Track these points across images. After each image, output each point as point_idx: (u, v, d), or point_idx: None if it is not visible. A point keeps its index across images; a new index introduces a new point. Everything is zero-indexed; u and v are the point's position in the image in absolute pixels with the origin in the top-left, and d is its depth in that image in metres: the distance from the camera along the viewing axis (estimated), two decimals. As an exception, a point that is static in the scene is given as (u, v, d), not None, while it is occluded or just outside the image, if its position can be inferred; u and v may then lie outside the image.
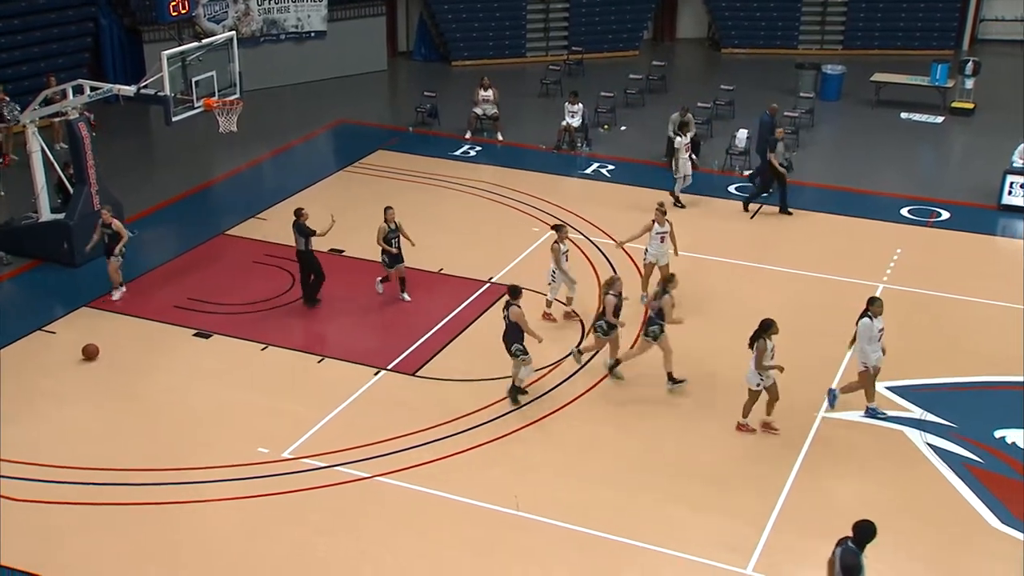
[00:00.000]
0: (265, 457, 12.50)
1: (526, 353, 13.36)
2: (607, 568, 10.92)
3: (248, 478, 12.14)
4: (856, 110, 25.42)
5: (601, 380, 14.15)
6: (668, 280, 13.87)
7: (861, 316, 13.20)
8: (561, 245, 15.18)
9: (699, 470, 12.41)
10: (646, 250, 15.79)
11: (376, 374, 14.26)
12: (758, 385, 12.86)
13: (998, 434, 13.08)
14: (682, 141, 19.39)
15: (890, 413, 13.48)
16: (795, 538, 11.33)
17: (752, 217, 19.41)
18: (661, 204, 15.95)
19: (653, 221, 15.63)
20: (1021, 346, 14.92)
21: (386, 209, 15.89)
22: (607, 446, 12.84)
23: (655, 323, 13.70)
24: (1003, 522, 11.60)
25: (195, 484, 12.04)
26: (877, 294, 16.37)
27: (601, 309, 13.94)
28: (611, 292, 13.72)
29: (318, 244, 16.15)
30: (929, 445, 12.88)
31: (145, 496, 11.85)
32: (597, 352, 14.27)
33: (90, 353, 14.36)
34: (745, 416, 13.06)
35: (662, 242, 15.68)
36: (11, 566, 10.78)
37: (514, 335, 13.32)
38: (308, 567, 10.91)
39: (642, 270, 16.10)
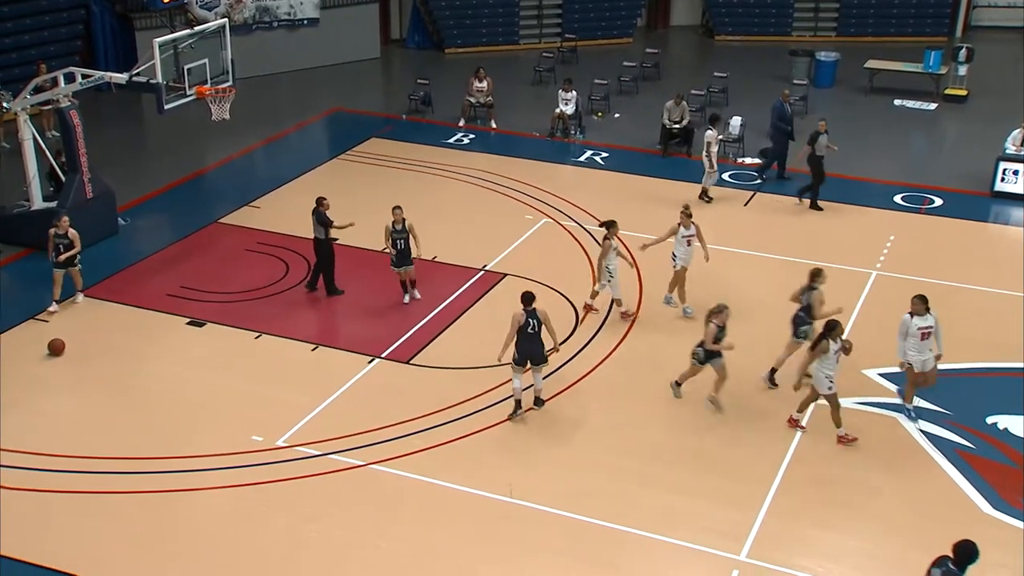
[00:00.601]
0: (259, 445, 12.50)
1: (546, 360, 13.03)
2: (601, 555, 10.95)
3: (242, 466, 12.14)
4: (850, 97, 25.42)
5: (595, 368, 14.16)
6: (816, 275, 13.50)
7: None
8: (612, 241, 14.83)
9: (692, 457, 12.44)
10: (673, 255, 15.25)
11: (370, 362, 14.26)
12: (830, 388, 12.45)
13: (990, 420, 13.13)
14: (713, 134, 18.96)
15: (884, 400, 13.52)
16: (789, 525, 11.37)
17: (746, 204, 19.42)
18: (687, 207, 15.37)
19: (679, 224, 15.15)
20: (1014, 333, 14.97)
21: (394, 209, 15.58)
22: (600, 434, 12.86)
23: (805, 322, 13.46)
24: (995, 508, 11.66)
25: (189, 472, 12.04)
26: (870, 281, 16.48)
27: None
28: (714, 321, 12.90)
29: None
30: (921, 431, 12.92)
31: (139, 484, 11.84)
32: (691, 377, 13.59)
33: (56, 348, 14.25)
34: (839, 425, 12.63)
35: (689, 245, 15.17)
36: (5, 554, 10.77)
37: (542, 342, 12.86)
38: (302, 554, 10.92)
39: (671, 275, 15.55)
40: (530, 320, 12.66)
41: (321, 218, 15.56)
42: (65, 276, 15.35)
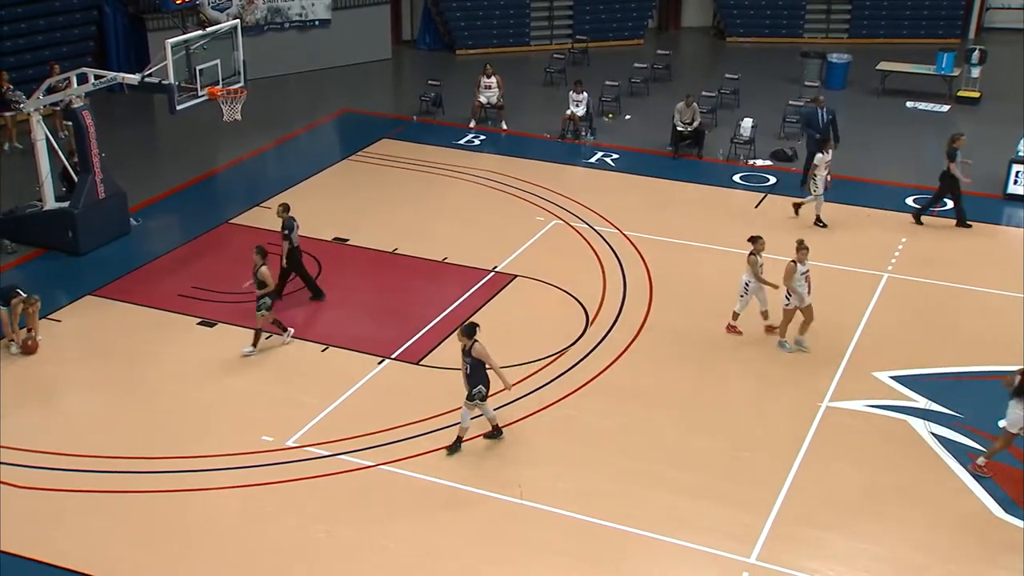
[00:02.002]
0: (269, 445, 12.52)
1: (484, 398, 12.24)
2: (610, 557, 10.94)
3: (252, 466, 12.17)
4: (861, 99, 25.33)
5: (605, 370, 14.14)
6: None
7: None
8: (758, 257, 14.45)
9: (702, 459, 12.41)
10: (787, 295, 14.29)
11: (380, 363, 14.27)
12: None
13: (1002, 424, 13.04)
14: (822, 158, 17.95)
15: (895, 403, 13.47)
16: (799, 527, 11.34)
17: (757, 206, 19.38)
18: (802, 241, 14.29)
19: (794, 262, 14.11)
20: (1026, 336, 14.90)
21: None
22: (610, 435, 12.84)
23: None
24: (1007, 512, 11.60)
25: (199, 472, 12.07)
26: (881, 284, 16.42)
27: None
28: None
29: (320, 234, 16.13)
30: (933, 435, 12.87)
31: (149, 484, 11.88)
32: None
33: (29, 350, 14.21)
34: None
35: (806, 282, 14.20)
36: (16, 553, 10.82)
37: (479, 376, 12.13)
38: (311, 554, 10.94)
39: (775, 312, 14.75)
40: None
41: (289, 224, 15.42)
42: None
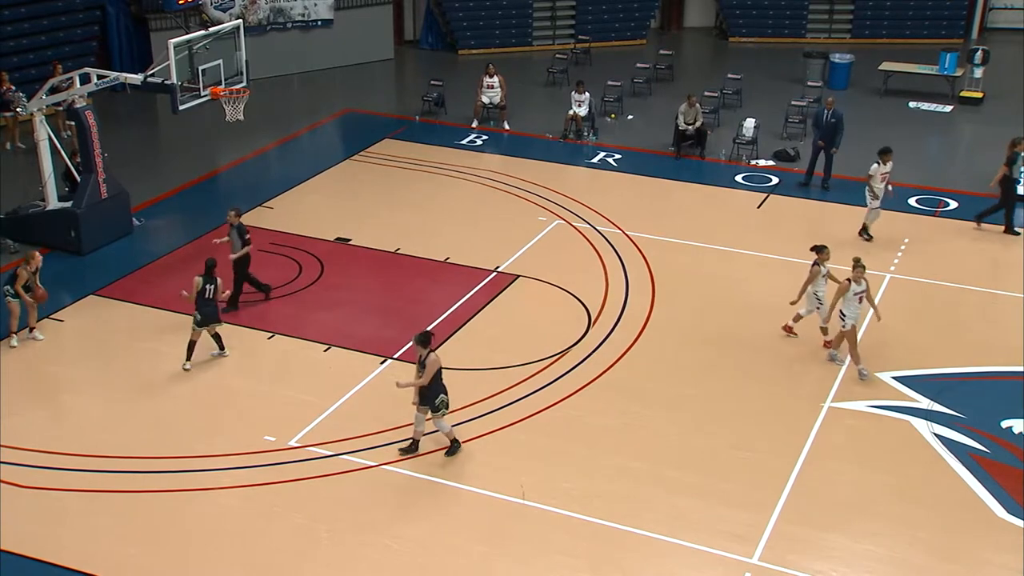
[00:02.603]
0: (271, 445, 12.53)
1: (447, 407, 12.13)
2: (612, 557, 10.93)
3: (255, 466, 12.17)
4: (864, 99, 25.31)
5: (607, 370, 14.14)
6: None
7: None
8: (821, 268, 14.24)
9: (704, 459, 12.41)
10: (842, 313, 13.80)
11: (383, 363, 14.27)
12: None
13: (1005, 424, 13.05)
14: (878, 169, 17.29)
15: (898, 403, 13.47)
16: (802, 528, 11.33)
17: (759, 207, 19.36)
18: (858, 259, 13.81)
19: (849, 280, 13.68)
20: (1029, 336, 14.88)
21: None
22: (612, 435, 12.84)
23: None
24: (1009, 512, 11.59)
25: (202, 472, 12.08)
26: (884, 284, 16.40)
27: None
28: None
29: (323, 233, 16.12)
30: (936, 435, 12.86)
31: (151, 484, 11.89)
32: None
33: (39, 298, 14.26)
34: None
35: (860, 303, 13.75)
36: (18, 552, 10.83)
37: (437, 387, 12.00)
38: (314, 554, 10.94)
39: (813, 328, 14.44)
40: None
41: (242, 231, 15.24)
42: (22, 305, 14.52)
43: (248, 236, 15.34)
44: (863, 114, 24.32)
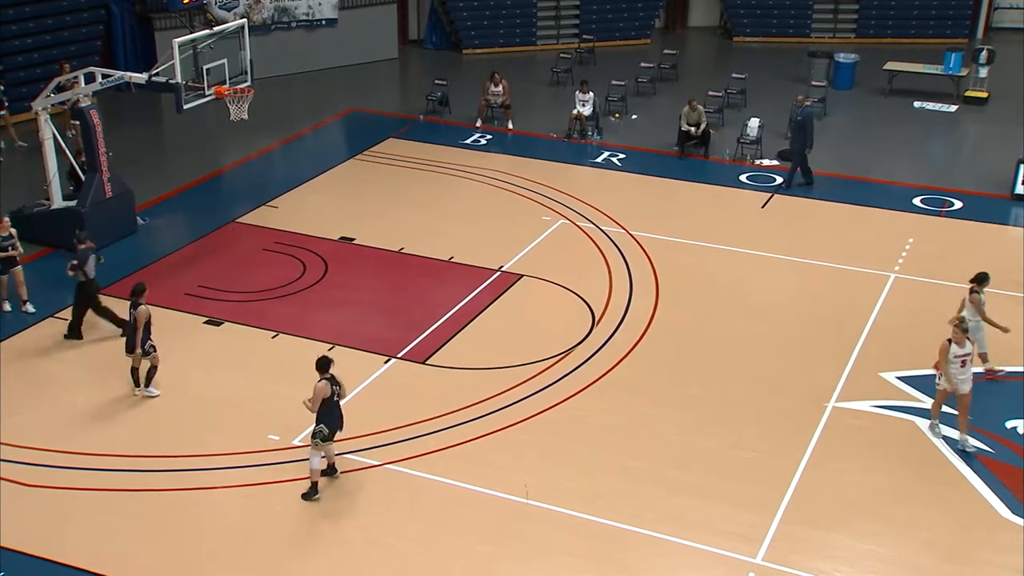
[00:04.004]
0: (275, 444, 12.54)
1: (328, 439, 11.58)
2: (616, 557, 10.93)
3: (258, 465, 12.18)
4: (869, 99, 25.29)
5: (611, 370, 14.14)
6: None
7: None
8: (981, 296, 13.59)
9: (708, 459, 12.40)
10: (938, 374, 12.76)
11: (386, 362, 14.28)
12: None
13: (1009, 424, 13.03)
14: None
15: (902, 404, 13.44)
16: (806, 528, 11.32)
17: (763, 207, 19.35)
18: (961, 320, 12.69)
19: (949, 341, 12.48)
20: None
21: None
22: (615, 435, 12.83)
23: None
24: (1013, 512, 11.57)
25: (205, 471, 12.09)
26: (888, 284, 16.38)
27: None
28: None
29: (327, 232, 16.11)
30: (940, 435, 12.84)
31: (155, 482, 11.90)
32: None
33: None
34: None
35: (963, 367, 12.46)
36: (20, 550, 10.85)
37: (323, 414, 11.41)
38: (318, 553, 10.95)
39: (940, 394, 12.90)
40: (333, 388, 11.54)
41: (83, 255, 14.47)
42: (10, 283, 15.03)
43: (75, 263, 14.44)
44: (867, 114, 24.32)
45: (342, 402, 11.74)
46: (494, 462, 12.28)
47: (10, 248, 15.15)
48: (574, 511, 11.48)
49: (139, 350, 13.26)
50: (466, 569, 10.77)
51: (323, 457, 11.78)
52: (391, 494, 11.80)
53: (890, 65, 25.78)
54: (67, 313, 15.24)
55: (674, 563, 10.91)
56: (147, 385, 13.46)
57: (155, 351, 13.39)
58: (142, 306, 13.22)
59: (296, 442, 12.55)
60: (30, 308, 15.31)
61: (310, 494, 11.63)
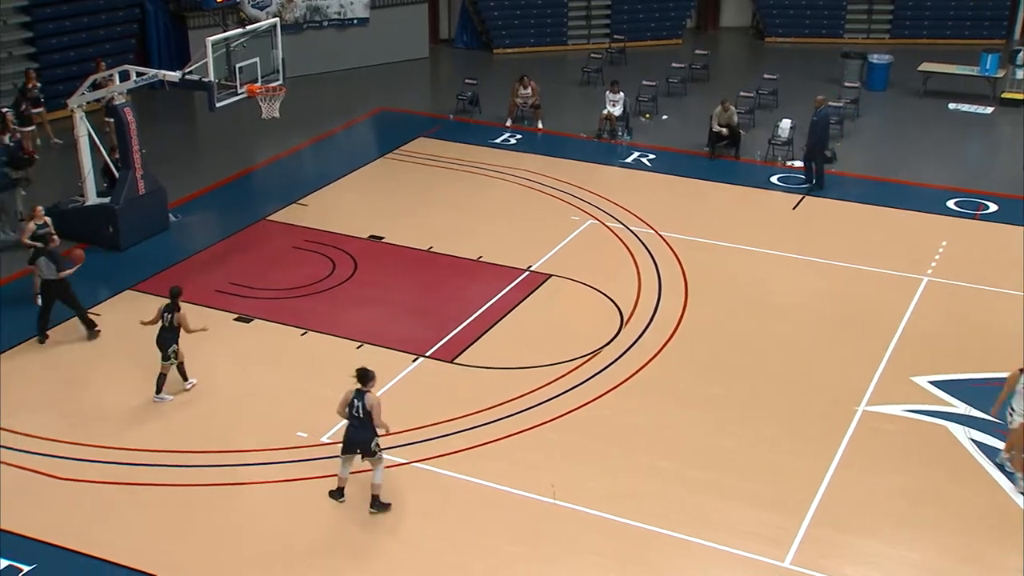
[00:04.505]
0: (304, 441, 12.60)
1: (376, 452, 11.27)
2: (642, 558, 10.89)
3: (286, 462, 12.25)
4: (903, 100, 25.04)
5: (639, 370, 14.09)
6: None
7: None
8: None
9: (736, 461, 12.33)
10: (1011, 408, 12.25)
11: (415, 360, 14.31)
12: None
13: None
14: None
15: (934, 408, 13.30)
16: (835, 532, 11.22)
17: (794, 208, 19.21)
18: None
19: (1021, 370, 12.21)
20: (1069, 342, 14.63)
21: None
22: (643, 436, 12.79)
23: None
24: (1047, 520, 11.42)
25: (234, 467, 12.17)
26: (921, 288, 16.21)
27: None
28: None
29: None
30: (972, 440, 12.68)
31: (185, 477, 11.99)
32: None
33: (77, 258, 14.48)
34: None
35: None
36: (52, 542, 10.97)
37: (368, 430, 11.15)
38: (343, 551, 10.99)
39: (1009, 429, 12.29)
40: (355, 402, 11.10)
41: (54, 256, 14.55)
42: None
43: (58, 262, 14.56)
44: (901, 115, 24.08)
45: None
46: (523, 461, 12.27)
47: (46, 237, 15.31)
48: (601, 511, 11.44)
49: (179, 351, 13.30)
50: (492, 568, 10.76)
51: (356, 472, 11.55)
52: (418, 492, 11.82)
53: (925, 66, 25.51)
54: (100, 308, 15.42)
55: (702, 565, 10.85)
56: (159, 392, 13.38)
57: (176, 357, 13.35)
58: (180, 311, 13.23)
59: (324, 439, 12.60)
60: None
61: (382, 506, 11.39)
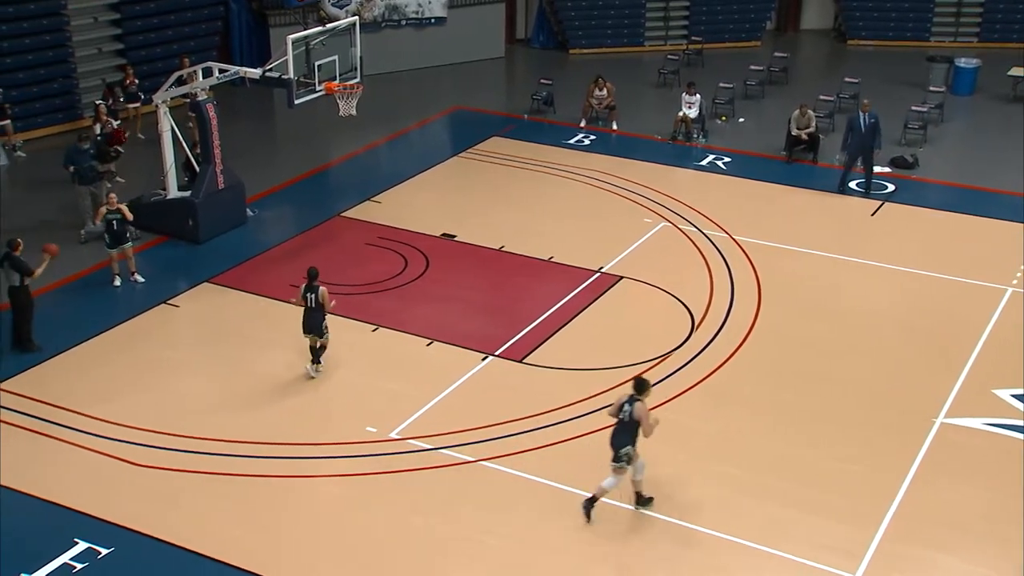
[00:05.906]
0: (372, 436, 12.71)
1: (631, 461, 11.14)
2: (711, 563, 10.76)
3: (355, 456, 12.37)
4: (990, 106, 24.35)
5: (709, 375, 13.93)
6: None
7: None
8: None
9: (806, 470, 12.10)
10: None
11: (484, 359, 14.34)
12: None
13: None
14: None
15: (1016, 422, 12.90)
16: (909, 546, 10.96)
17: (873, 214, 18.81)
18: None
19: None
20: None
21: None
22: (712, 441, 12.64)
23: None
24: None
25: (304, 459, 12.34)
26: (1005, 298, 15.74)
27: None
28: None
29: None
30: (1056, 457, 12.29)
31: (255, 468, 12.19)
32: None
33: (51, 251, 14.63)
34: None
35: None
36: (129, 527, 11.24)
37: (628, 435, 11.08)
38: (409, 545, 11.06)
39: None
40: (625, 407, 11.03)
41: (16, 264, 14.19)
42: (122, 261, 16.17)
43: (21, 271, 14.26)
44: (987, 121, 23.41)
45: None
46: (590, 463, 12.20)
47: (115, 223, 15.86)
48: (668, 516, 11.33)
49: (326, 331, 13.81)
50: (555, 568, 10.73)
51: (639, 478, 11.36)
52: (484, 491, 11.84)
53: (1015, 71, 24.77)
54: (178, 300, 15.77)
55: (771, 574, 10.67)
56: (316, 361, 13.92)
57: (327, 332, 13.84)
58: (322, 287, 13.74)
59: (393, 435, 12.71)
60: (139, 278, 16.24)
61: (590, 508, 11.25)
